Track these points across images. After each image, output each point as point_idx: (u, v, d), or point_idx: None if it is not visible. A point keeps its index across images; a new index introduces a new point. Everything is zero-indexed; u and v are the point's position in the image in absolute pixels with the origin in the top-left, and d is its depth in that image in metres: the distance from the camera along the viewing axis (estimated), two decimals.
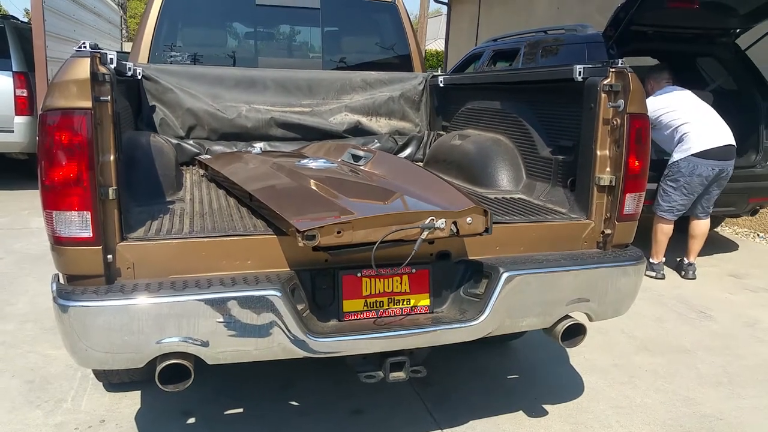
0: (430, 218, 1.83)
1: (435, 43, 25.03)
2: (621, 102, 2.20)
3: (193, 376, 1.80)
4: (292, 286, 1.88)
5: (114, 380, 2.67)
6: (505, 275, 2.05)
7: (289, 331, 1.81)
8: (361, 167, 2.58)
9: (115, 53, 1.86)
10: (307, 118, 3.63)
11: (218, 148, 3.44)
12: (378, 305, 2.06)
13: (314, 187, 2.07)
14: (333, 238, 1.72)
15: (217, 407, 2.65)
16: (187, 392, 2.64)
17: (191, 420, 2.56)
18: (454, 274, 2.17)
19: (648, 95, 4.53)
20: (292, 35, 4.39)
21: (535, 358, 3.31)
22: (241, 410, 2.65)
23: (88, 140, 1.66)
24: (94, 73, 1.68)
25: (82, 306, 1.68)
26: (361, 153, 2.76)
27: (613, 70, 2.21)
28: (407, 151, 3.80)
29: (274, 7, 3.91)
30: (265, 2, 3.84)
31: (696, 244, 4.80)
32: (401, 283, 2.08)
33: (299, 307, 1.89)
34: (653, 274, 4.75)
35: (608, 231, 2.31)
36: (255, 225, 2.04)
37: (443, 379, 2.98)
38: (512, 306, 2.10)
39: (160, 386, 1.78)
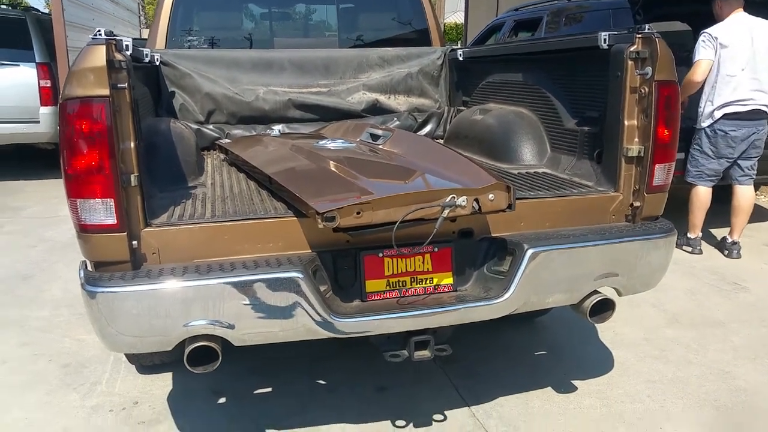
0: (451, 196, 1.80)
1: (454, 16, 24.62)
2: (648, 69, 2.12)
3: (221, 358, 1.82)
4: (314, 267, 1.88)
5: (146, 363, 2.72)
6: (529, 251, 2.02)
7: (312, 311, 1.82)
8: (380, 146, 2.56)
9: (131, 40, 1.86)
10: (325, 98, 3.60)
11: (237, 131, 3.44)
12: (401, 285, 2.04)
13: (333, 168, 2.06)
14: (353, 219, 1.70)
15: (246, 386, 2.70)
16: (218, 372, 2.71)
17: (222, 399, 2.61)
18: (477, 251, 2.15)
19: (717, 19, 4.33)
20: (308, 14, 4.34)
21: (563, 333, 3.28)
22: (269, 389, 2.69)
23: (107, 128, 1.66)
24: (110, 61, 1.67)
25: (110, 292, 1.70)
26: (379, 132, 2.73)
27: (640, 36, 2.13)
28: (427, 128, 3.76)
29: None
30: None
31: (739, 218, 4.54)
32: (423, 262, 2.06)
33: (322, 288, 1.89)
34: (689, 249, 4.60)
35: (637, 203, 2.25)
36: (276, 208, 2.04)
37: (469, 355, 2.98)
38: (538, 283, 2.07)
39: (189, 368, 1.80)
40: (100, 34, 1.69)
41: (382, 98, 3.73)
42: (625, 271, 2.17)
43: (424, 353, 2.02)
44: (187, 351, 1.77)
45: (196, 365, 1.81)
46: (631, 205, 2.27)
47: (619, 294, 2.26)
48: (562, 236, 2.13)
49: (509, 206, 1.90)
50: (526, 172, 2.65)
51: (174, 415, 2.48)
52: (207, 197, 2.20)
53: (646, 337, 3.24)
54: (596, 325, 3.34)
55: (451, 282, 2.10)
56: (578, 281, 2.14)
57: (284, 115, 3.54)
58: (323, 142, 2.55)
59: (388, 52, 3.82)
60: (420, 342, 2.00)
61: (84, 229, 1.75)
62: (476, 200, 1.85)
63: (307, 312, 1.82)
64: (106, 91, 1.65)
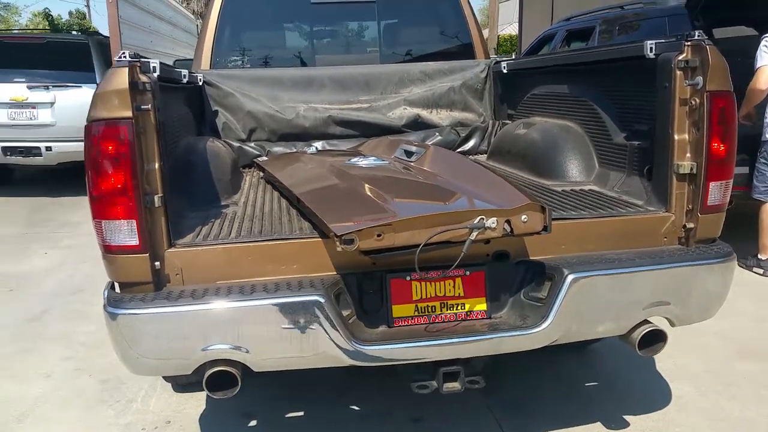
0: (480, 217, 1.70)
1: (510, 28, 24.38)
2: (699, 79, 1.96)
3: (240, 384, 1.77)
4: (337, 291, 1.81)
5: (181, 381, 2.72)
6: (570, 277, 1.88)
7: (334, 337, 1.74)
8: (413, 163, 2.48)
9: (158, 62, 1.86)
10: (365, 114, 3.57)
11: (278, 149, 3.45)
12: (430, 310, 1.94)
13: (359, 188, 1.99)
14: (373, 241, 1.63)
15: (278, 410, 2.64)
16: (250, 394, 2.70)
17: (253, 422, 2.56)
18: (514, 275, 2.02)
19: None
20: (349, 31, 4.34)
21: (616, 362, 3.07)
22: (302, 413, 2.63)
23: (130, 149, 1.67)
24: (133, 83, 1.68)
25: (129, 314, 1.69)
26: (413, 149, 2.65)
27: (689, 43, 1.97)
28: (470, 143, 3.65)
29: (330, 3, 3.88)
30: (321, 0, 3.82)
31: None
32: (454, 287, 1.95)
33: (345, 312, 1.82)
34: (761, 271, 4.26)
35: (690, 225, 2.07)
36: (302, 228, 1.99)
37: (513, 384, 2.82)
38: (579, 311, 1.92)
39: (208, 393, 1.76)
40: (124, 56, 1.69)
41: (424, 113, 3.67)
42: (678, 300, 1.99)
43: (454, 385, 1.90)
44: (206, 376, 1.73)
45: (215, 390, 1.77)
46: (684, 226, 2.09)
47: (672, 324, 2.08)
48: (607, 260, 1.98)
49: (544, 228, 1.77)
50: (571, 190, 2.50)
51: None
52: (236, 216, 2.18)
53: (709, 369, 2.98)
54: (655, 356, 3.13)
55: (485, 308, 1.98)
56: (625, 310, 1.97)
57: (325, 131, 3.53)
58: (355, 159, 2.50)
59: (429, 66, 3.76)
60: (449, 373, 1.89)
61: (108, 250, 1.75)
62: (508, 222, 1.73)
63: (328, 338, 1.74)
64: (129, 113, 1.65)
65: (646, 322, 2.01)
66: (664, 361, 3.05)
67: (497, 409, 2.62)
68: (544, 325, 1.86)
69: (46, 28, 21.06)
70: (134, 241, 1.71)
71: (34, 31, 16.16)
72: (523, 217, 1.74)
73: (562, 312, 1.87)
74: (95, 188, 1.69)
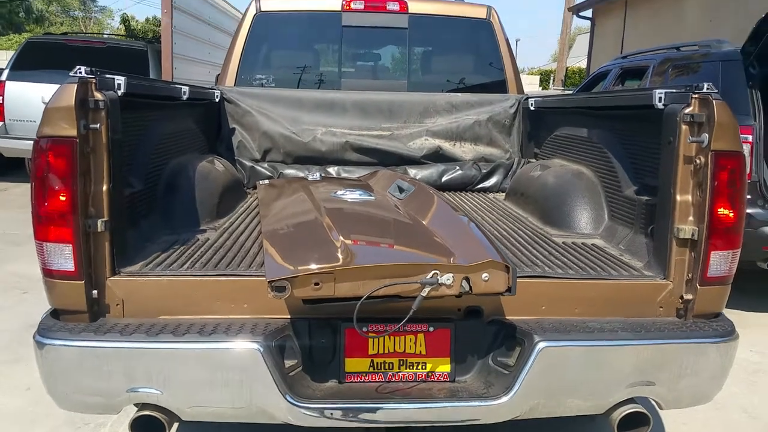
0: (434, 272, 1.54)
1: (583, 61, 24.00)
2: (705, 136, 1.75)
3: (168, 430, 1.65)
4: (281, 338, 1.69)
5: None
6: (540, 345, 1.69)
7: (267, 392, 1.61)
8: (399, 201, 2.34)
9: (123, 79, 1.80)
10: (385, 142, 3.47)
11: (290, 171, 3.38)
12: (387, 367, 1.79)
13: (320, 229, 1.86)
14: (310, 290, 1.50)
15: None
16: (222, 427, 2.59)
17: None
18: (484, 335, 1.84)
19: None
20: (378, 56, 4.26)
21: None
22: None
23: (70, 170, 1.60)
24: (83, 100, 1.62)
25: (55, 344, 1.61)
26: (405, 185, 2.52)
27: (696, 96, 1.77)
28: (492, 180, 3.50)
29: (361, 27, 3.81)
30: (352, 23, 3.75)
31: None
32: (415, 344, 1.79)
33: (288, 363, 1.69)
34: None
35: (689, 296, 1.85)
36: (261, 264, 1.88)
37: None
38: (550, 385, 1.73)
39: None
40: (80, 72, 1.64)
41: (446, 145, 3.55)
42: (665, 381, 1.77)
43: None
44: (131, 418, 1.63)
45: None
46: (682, 297, 1.86)
47: (660, 407, 1.85)
48: (587, 329, 1.78)
49: (508, 289, 1.60)
50: (572, 243, 2.31)
51: None
52: (205, 244, 2.09)
53: None
54: (665, 428, 2.84)
55: (448, 370, 1.81)
56: (603, 387, 1.77)
57: (341, 157, 3.46)
58: (342, 192, 2.38)
59: (456, 97, 3.65)
60: None
61: (46, 273, 1.69)
62: (466, 279, 1.57)
63: (262, 391, 1.61)
64: (73, 132, 1.59)
65: (630, 401, 1.80)
66: None
67: None
68: (505, 398, 1.68)
69: (122, 34, 22.12)
70: (70, 267, 1.64)
71: (102, 36, 16.91)
72: (484, 275, 1.58)
73: (529, 384, 1.69)
74: (37, 207, 1.64)
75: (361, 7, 3.67)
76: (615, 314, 1.87)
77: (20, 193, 7.73)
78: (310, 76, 3.87)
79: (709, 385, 1.82)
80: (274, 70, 3.83)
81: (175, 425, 1.81)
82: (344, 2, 3.65)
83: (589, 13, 15.12)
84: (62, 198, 1.60)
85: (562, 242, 2.31)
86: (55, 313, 1.74)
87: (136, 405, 1.69)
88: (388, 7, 3.68)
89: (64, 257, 1.64)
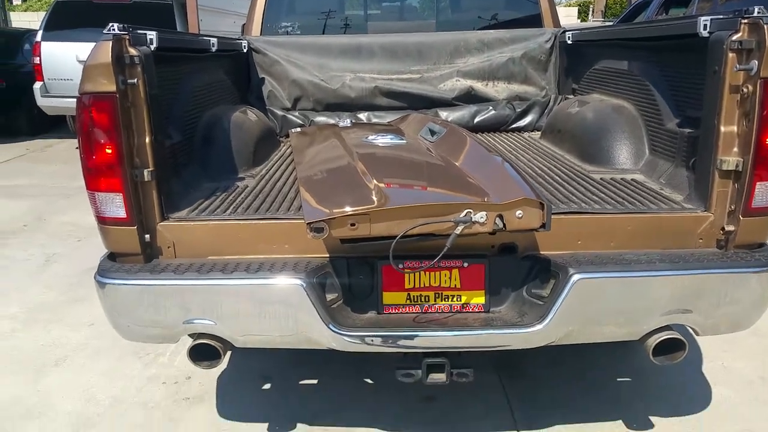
0: (467, 211, 1.57)
1: None
2: (754, 63, 1.68)
3: (222, 357, 1.80)
4: (322, 275, 1.77)
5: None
6: (575, 277, 1.73)
7: (312, 321, 1.71)
8: (430, 144, 2.34)
9: (155, 33, 1.83)
10: (415, 85, 3.41)
11: (321, 118, 3.39)
12: (423, 300, 1.86)
13: (354, 172, 1.90)
14: (347, 230, 1.55)
15: (294, 375, 2.69)
16: (271, 356, 2.76)
17: (267, 385, 2.63)
18: (519, 270, 1.89)
19: None
20: None
21: None
22: (315, 381, 2.66)
23: (114, 124, 1.67)
24: (119, 57, 1.66)
25: (115, 283, 1.74)
26: (436, 128, 2.50)
27: (746, 21, 1.69)
28: (528, 119, 3.43)
29: None
30: None
31: None
32: (450, 278, 1.85)
33: (330, 296, 1.78)
34: None
35: (730, 227, 1.83)
36: (299, 208, 1.95)
37: (538, 372, 2.70)
38: (584, 314, 1.77)
39: (191, 362, 1.80)
40: (113, 29, 1.67)
41: (479, 85, 3.46)
42: (702, 309, 1.78)
43: (440, 377, 1.83)
44: (189, 347, 1.77)
45: (200, 360, 1.81)
46: (723, 228, 1.84)
47: (696, 334, 1.88)
48: (622, 261, 1.79)
49: (543, 225, 1.62)
50: (611, 179, 2.29)
51: (218, 395, 2.55)
52: (245, 191, 2.17)
53: (764, 376, 2.70)
54: (702, 353, 2.88)
55: (483, 301, 1.88)
56: (639, 316, 1.80)
57: (370, 102, 3.43)
58: (373, 137, 2.39)
59: (488, 34, 3.52)
60: (434, 365, 1.81)
61: (101, 221, 1.79)
62: (500, 216, 1.60)
63: (307, 321, 1.72)
64: (112, 88, 1.65)
65: (666, 327, 1.83)
66: (713, 361, 2.81)
67: (514, 396, 2.52)
68: (539, 326, 1.74)
69: None
70: (122, 214, 1.74)
71: None
72: (518, 212, 1.60)
73: (562, 313, 1.73)
74: (86, 160, 1.72)
75: None
76: (653, 247, 1.87)
77: (64, 148, 8.01)
78: (336, 21, 3.79)
79: (748, 312, 1.83)
80: (299, 17, 3.77)
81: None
82: None
83: None
84: (108, 150, 1.68)
85: (600, 178, 2.29)
86: (111, 256, 1.86)
87: (191, 336, 1.82)
88: None
89: (115, 205, 1.73)
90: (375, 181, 1.74)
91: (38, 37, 7.53)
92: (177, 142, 2.09)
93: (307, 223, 1.54)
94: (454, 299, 1.87)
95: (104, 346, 2.95)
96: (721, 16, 1.80)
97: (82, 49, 6.68)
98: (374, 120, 3.38)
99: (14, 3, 21.19)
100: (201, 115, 2.41)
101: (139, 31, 1.77)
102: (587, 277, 1.73)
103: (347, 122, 3.18)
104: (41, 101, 7.54)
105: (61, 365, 2.80)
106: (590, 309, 1.76)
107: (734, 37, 1.71)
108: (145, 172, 1.76)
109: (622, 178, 2.28)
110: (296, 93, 3.42)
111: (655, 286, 1.77)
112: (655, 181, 2.21)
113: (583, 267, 1.75)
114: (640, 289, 1.77)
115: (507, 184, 1.72)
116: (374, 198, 1.63)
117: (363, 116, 3.38)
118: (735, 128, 1.78)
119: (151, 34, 1.81)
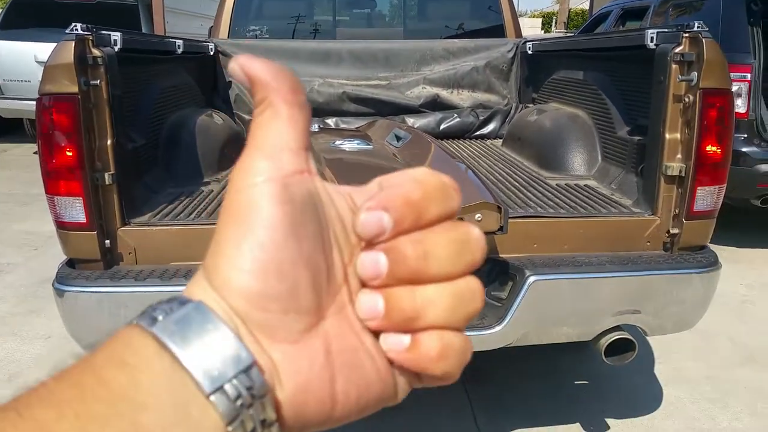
0: None
1: (586, 3, 23.33)
2: (694, 75, 1.79)
3: None
4: None
5: None
6: (531, 279, 1.79)
7: None
8: (396, 149, 2.39)
9: (119, 34, 1.83)
10: (382, 91, 3.46)
11: None
12: None
13: (325, 175, 1.92)
14: None
15: None
16: None
17: None
18: (478, 273, 1.92)
19: None
20: (373, 3, 4.20)
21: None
22: None
23: (75, 126, 1.65)
24: (81, 57, 1.66)
25: (73, 291, 1.71)
26: (402, 134, 2.56)
27: (687, 35, 1.80)
28: (490, 127, 3.51)
29: None
30: None
31: None
32: None
33: None
34: None
35: (674, 230, 1.93)
36: None
37: (498, 378, 2.75)
38: (540, 314, 1.83)
39: None
40: (76, 29, 1.67)
41: (444, 93, 3.53)
42: (649, 309, 1.87)
43: None
44: None
45: None
46: (668, 231, 1.94)
47: (645, 334, 1.96)
48: (575, 263, 1.87)
49: (500, 228, 1.68)
50: (566, 185, 2.37)
51: None
52: (210, 195, 2.17)
53: (710, 375, 2.83)
54: (654, 355, 2.99)
55: None
56: (591, 316, 1.88)
57: (339, 108, 3.45)
58: (340, 142, 2.43)
59: (454, 43, 3.61)
60: None
61: (59, 226, 1.77)
62: (460, 219, 1.64)
63: None
64: (74, 89, 1.64)
65: (617, 328, 1.91)
66: (664, 363, 2.91)
67: (477, 403, 2.57)
68: (498, 327, 1.79)
69: None
70: (82, 218, 1.72)
71: None
72: (477, 215, 1.65)
73: (520, 314, 1.79)
74: (45, 163, 1.70)
75: None
76: (604, 250, 1.95)
77: (21, 153, 7.73)
78: (305, 26, 3.82)
79: (692, 312, 1.93)
80: (267, 21, 3.79)
81: None
82: None
83: None
84: (69, 153, 1.66)
85: (556, 184, 2.38)
86: (71, 263, 1.83)
87: None
88: None
89: (75, 209, 1.71)
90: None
91: None
92: (140, 146, 2.08)
93: None
94: None
95: (61, 360, 2.86)
96: (666, 30, 1.92)
97: (42, 50, 6.47)
98: (342, 125, 3.41)
99: None
100: (165, 118, 2.40)
101: (102, 32, 1.76)
102: (542, 278, 1.80)
103: (315, 127, 3.21)
104: None
105: (14, 381, 2.71)
106: (546, 310, 1.83)
107: (677, 50, 1.82)
108: (106, 176, 1.74)
109: (576, 184, 2.37)
110: None
111: (605, 286, 1.84)
112: (607, 186, 2.31)
113: (539, 269, 1.82)
114: (591, 289, 1.84)
115: (467, 189, 1.77)
116: None
117: (331, 121, 3.41)
118: (678, 136, 1.88)
119: (116, 35, 1.81)
